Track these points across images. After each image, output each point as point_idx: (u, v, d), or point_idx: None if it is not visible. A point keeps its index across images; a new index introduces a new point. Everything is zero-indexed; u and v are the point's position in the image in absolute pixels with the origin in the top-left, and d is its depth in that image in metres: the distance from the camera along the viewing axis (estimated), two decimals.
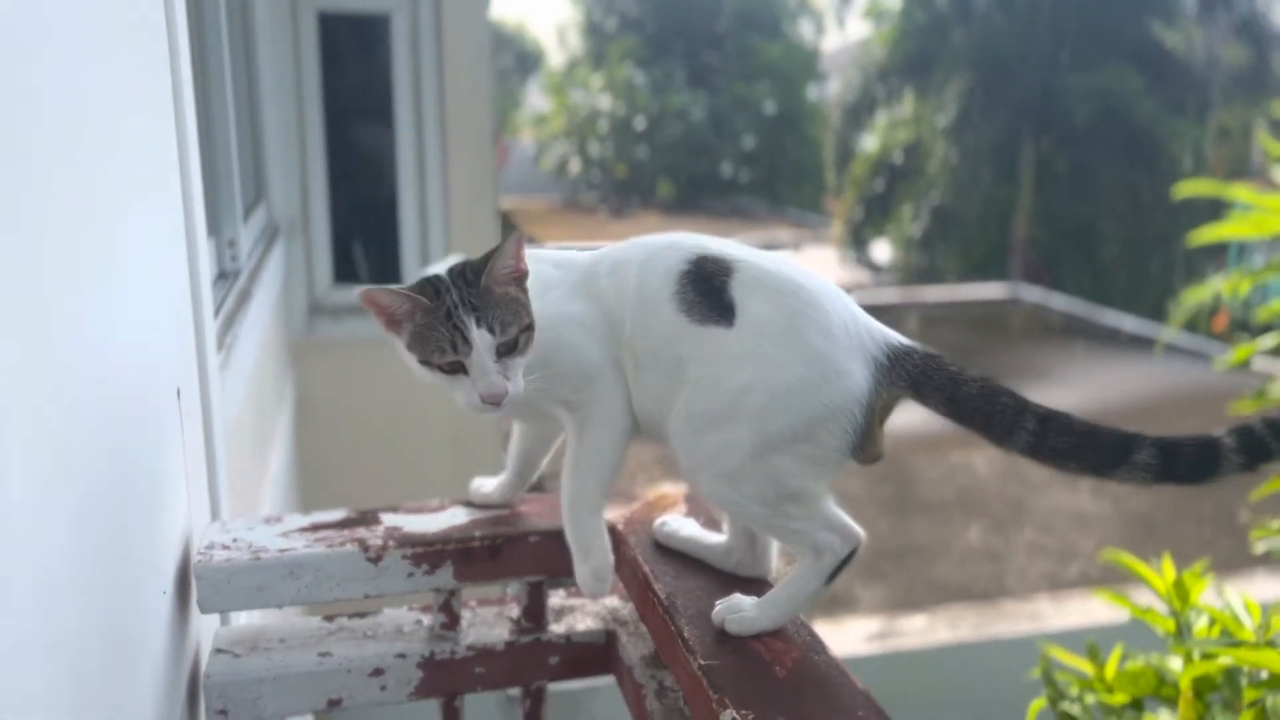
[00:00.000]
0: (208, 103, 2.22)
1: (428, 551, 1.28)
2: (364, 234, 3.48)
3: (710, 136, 21.68)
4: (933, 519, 6.36)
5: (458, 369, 1.03)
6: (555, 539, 1.29)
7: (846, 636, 4.57)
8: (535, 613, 1.35)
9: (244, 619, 1.52)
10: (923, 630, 4.57)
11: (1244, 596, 1.73)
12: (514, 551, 1.30)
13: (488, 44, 3.42)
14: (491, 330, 1.02)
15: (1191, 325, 9.44)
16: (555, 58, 25.60)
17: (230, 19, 2.54)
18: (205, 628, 1.33)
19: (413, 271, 3.58)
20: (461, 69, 3.35)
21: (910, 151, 16.07)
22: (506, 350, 1.03)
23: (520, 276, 1.06)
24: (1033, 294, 14.04)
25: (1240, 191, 1.91)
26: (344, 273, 3.48)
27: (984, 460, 7.39)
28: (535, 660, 1.33)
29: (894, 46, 16.88)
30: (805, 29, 25.33)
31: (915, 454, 7.33)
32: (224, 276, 2.27)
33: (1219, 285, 1.99)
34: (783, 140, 22.30)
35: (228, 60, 2.33)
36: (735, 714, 0.91)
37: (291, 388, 3.38)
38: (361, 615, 1.38)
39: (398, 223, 3.46)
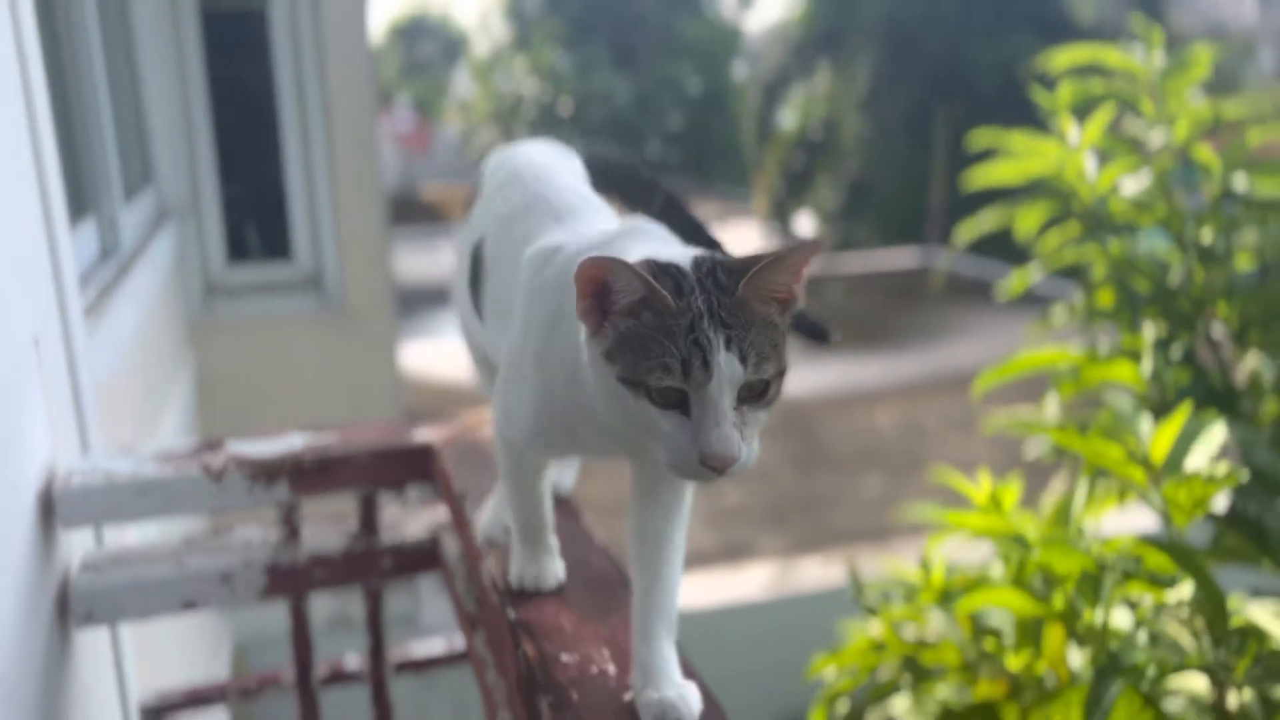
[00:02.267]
0: (79, 90, 2.36)
1: (264, 470, 1.47)
2: (256, 216, 3.63)
3: (636, 118, 21.88)
4: (835, 471, 6.67)
5: (675, 402, 0.74)
6: (382, 458, 1.49)
7: (747, 580, 4.83)
8: (369, 522, 1.55)
9: (114, 543, 1.70)
10: (818, 573, 4.85)
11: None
12: (342, 468, 1.50)
13: (366, 35, 3.58)
14: (744, 359, 0.74)
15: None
16: (481, 43, 25.61)
17: (104, 11, 2.68)
18: (76, 549, 1.51)
19: (306, 253, 3.73)
20: (339, 56, 3.52)
21: (827, 126, 16.42)
22: (752, 395, 0.75)
23: (790, 301, 0.78)
24: (946, 259, 14.47)
25: (1016, 138, 2.14)
26: (238, 253, 3.63)
27: (886, 417, 7.73)
28: (369, 564, 1.53)
29: (809, 23, 17.20)
30: (728, 7, 25.63)
31: (821, 413, 7.64)
32: (106, 253, 2.42)
33: (992, 216, 2.23)
34: (708, 119, 22.58)
35: (99, 51, 2.47)
36: (493, 565, 1.12)
37: (191, 366, 3.52)
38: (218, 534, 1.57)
39: (286, 204, 3.62)
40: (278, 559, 1.50)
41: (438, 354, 9.56)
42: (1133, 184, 2.15)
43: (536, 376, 0.89)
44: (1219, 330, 2.05)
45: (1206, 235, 2.08)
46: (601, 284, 0.75)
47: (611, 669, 0.92)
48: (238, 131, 3.55)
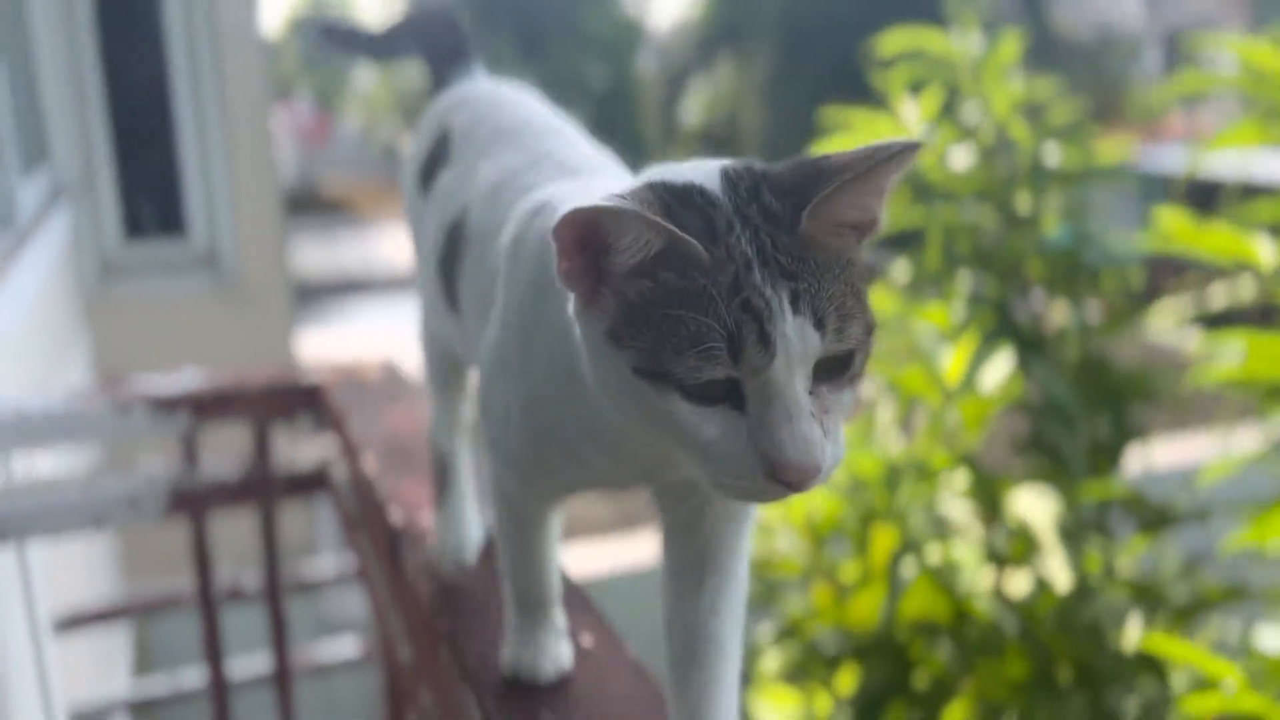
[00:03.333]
0: None
1: (165, 402, 1.62)
2: (152, 194, 3.71)
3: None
4: None
5: (722, 395, 0.53)
6: (274, 393, 1.66)
7: (639, 549, 5.04)
8: (262, 450, 1.71)
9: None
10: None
11: None
12: (237, 401, 1.66)
13: (257, 19, 3.70)
14: (820, 322, 0.53)
15: None
16: None
17: None
18: None
19: (202, 230, 3.82)
20: (233, 33, 3.63)
21: (729, 119, 16.77)
22: (832, 370, 0.54)
23: (871, 228, 0.56)
24: None
25: (856, 114, 2.39)
26: (135, 231, 3.71)
27: None
28: (262, 487, 1.70)
29: (710, 17, 17.53)
30: (631, 2, 25.85)
31: None
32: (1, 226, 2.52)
33: None
34: (613, 114, 22.77)
35: None
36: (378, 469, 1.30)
37: (88, 344, 3.59)
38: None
39: (182, 182, 3.71)
40: (179, 483, 1.66)
41: (336, 342, 9.58)
42: (961, 157, 2.41)
43: (521, 376, 0.66)
44: (1030, 285, 2.33)
45: (1021, 202, 2.36)
46: (592, 237, 0.53)
47: None
48: (133, 110, 3.63)
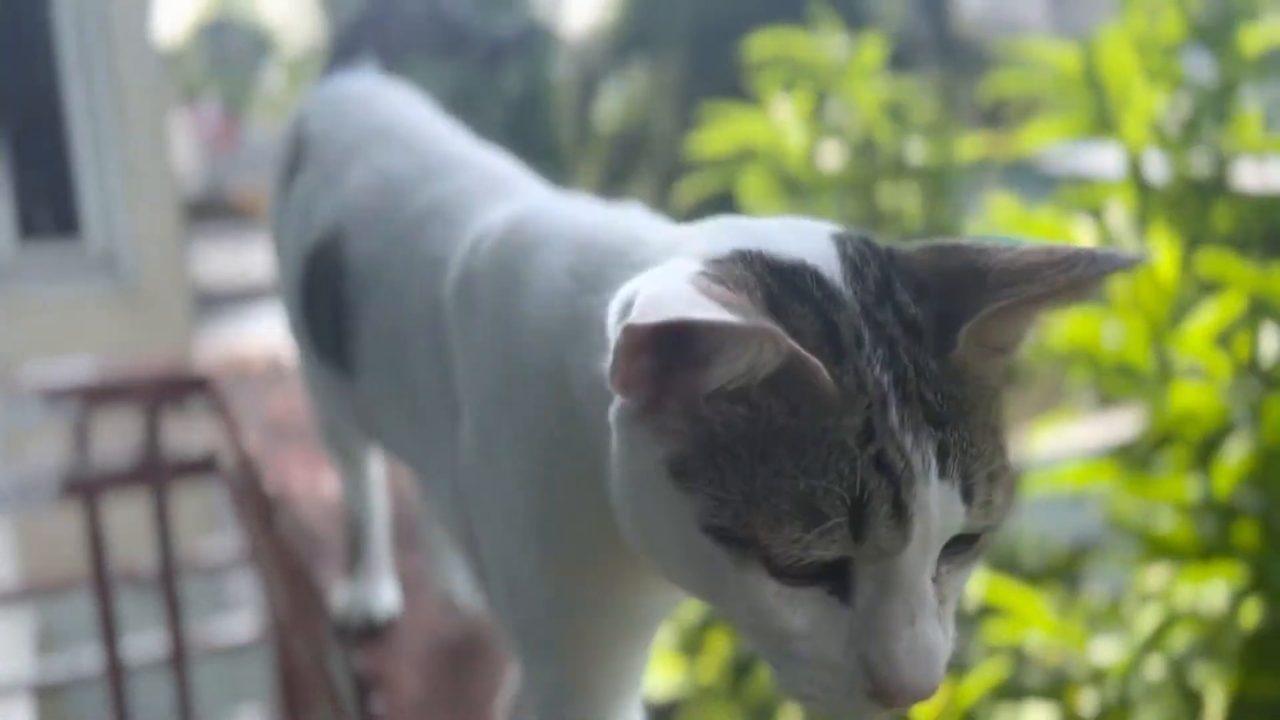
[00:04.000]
0: None
1: (57, 392, 1.68)
2: (46, 194, 3.70)
3: (457, 117, 21.89)
4: None
5: (821, 575, 0.40)
6: (165, 383, 1.73)
7: None
8: (153, 437, 1.78)
9: None
10: None
11: None
12: (128, 390, 1.73)
13: (150, 22, 3.73)
14: (969, 490, 0.41)
15: None
16: (291, 40, 25.00)
17: None
18: None
19: (98, 232, 3.82)
20: (125, 33, 3.64)
21: (642, 124, 16.95)
22: (959, 545, 0.42)
23: (1017, 347, 0.45)
24: None
25: (734, 111, 2.52)
26: (29, 232, 3.69)
27: None
28: (154, 472, 1.77)
29: (622, 22, 17.69)
30: (543, 7, 25.92)
31: None
32: None
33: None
34: (528, 119, 22.82)
35: None
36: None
37: None
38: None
39: (76, 184, 3.71)
40: (71, 470, 1.71)
41: (239, 350, 9.45)
42: (830, 154, 2.56)
43: (527, 484, 0.50)
44: None
45: (884, 196, 2.52)
46: (677, 345, 0.38)
47: None
48: (25, 112, 3.62)
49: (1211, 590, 1.37)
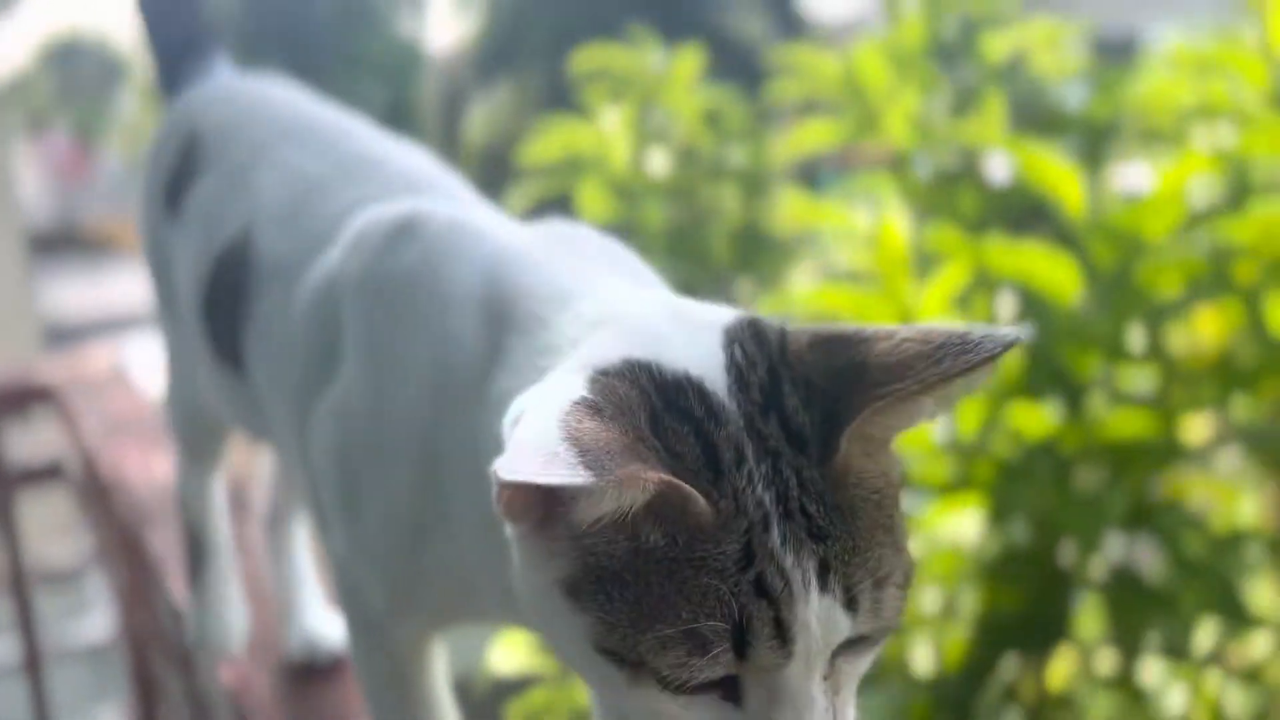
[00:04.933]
0: None
1: None
2: None
3: None
4: None
5: (712, 685, 0.42)
6: (7, 391, 1.79)
7: None
8: None
9: None
10: None
11: None
12: None
13: None
14: (853, 602, 0.43)
15: None
16: (143, 67, 24.24)
17: None
18: None
19: None
20: None
21: (509, 139, 17.04)
22: (855, 644, 0.44)
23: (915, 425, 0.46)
24: None
25: (561, 122, 2.68)
26: None
27: None
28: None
29: (484, 39, 17.77)
30: (406, 27, 25.75)
31: None
32: None
33: None
34: (395, 136, 22.62)
35: None
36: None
37: None
38: None
39: None
40: None
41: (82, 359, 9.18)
42: (657, 160, 2.75)
43: (404, 460, 0.51)
44: (719, 268, 2.68)
45: (705, 198, 2.72)
46: (550, 505, 0.41)
47: None
48: None
49: (963, 522, 1.58)
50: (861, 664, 0.43)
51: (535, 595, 0.42)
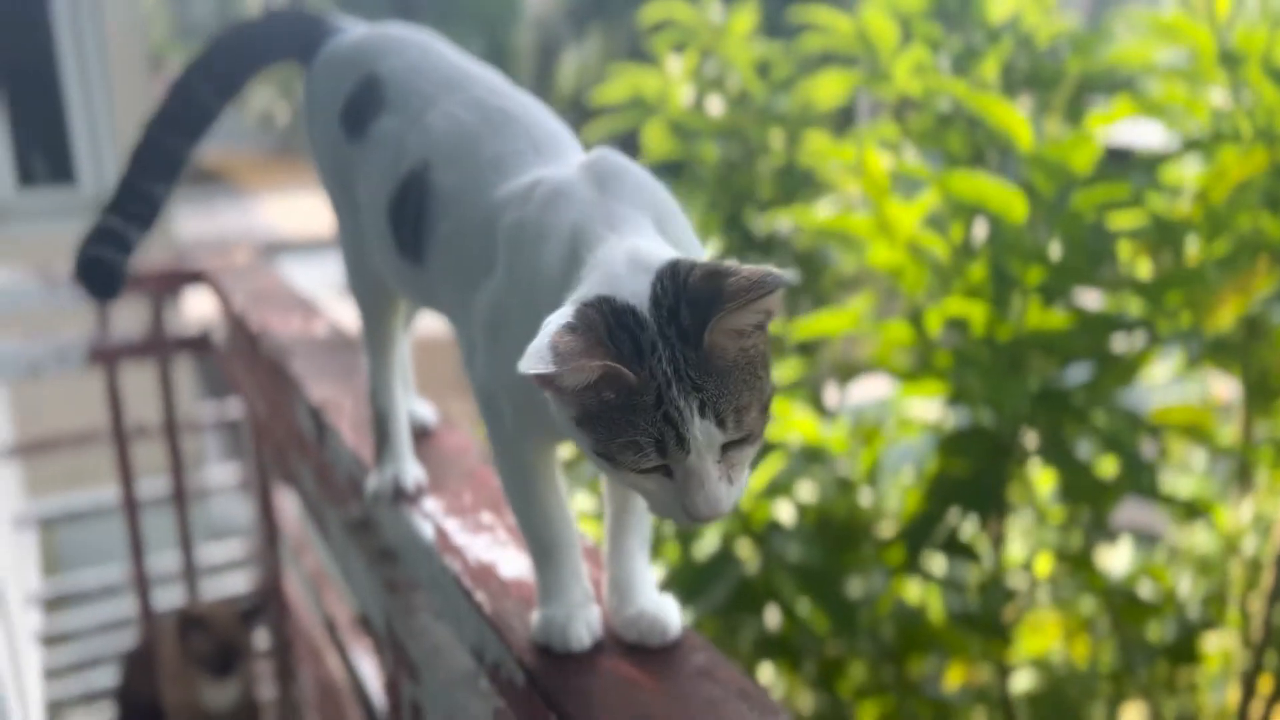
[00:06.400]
0: None
1: None
2: (42, 145, 4.16)
3: None
4: None
5: (656, 468, 0.70)
6: (169, 275, 2.24)
7: None
8: (158, 316, 2.29)
9: None
10: None
11: None
12: (141, 280, 2.24)
13: None
14: (721, 422, 0.69)
15: None
16: (253, 4, 24.98)
17: None
18: None
19: (91, 179, 4.28)
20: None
21: (598, 86, 17.32)
22: (736, 443, 0.71)
23: (766, 321, 0.71)
24: None
25: (630, 68, 3.02)
26: (28, 179, 4.15)
27: None
28: (160, 345, 2.28)
29: None
30: None
31: None
32: None
33: None
34: None
35: None
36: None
37: None
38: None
39: (70, 132, 4.18)
40: (95, 342, 2.23)
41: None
42: (714, 104, 3.09)
43: (514, 346, 0.72)
44: (760, 200, 3.02)
45: (756, 137, 3.05)
46: (549, 381, 0.67)
47: None
48: (22, 66, 4.06)
49: (927, 405, 1.93)
50: (745, 454, 0.71)
51: (565, 427, 0.71)
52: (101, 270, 1.09)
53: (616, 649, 0.82)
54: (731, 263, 0.69)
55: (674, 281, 0.69)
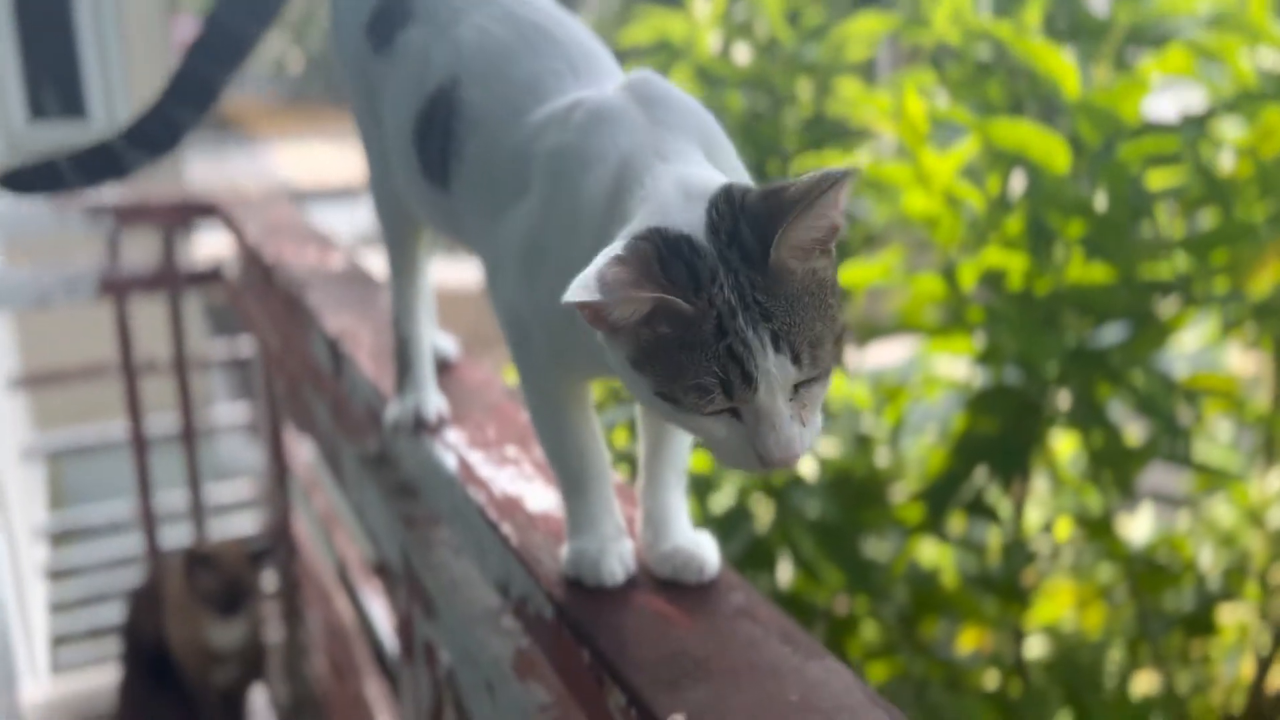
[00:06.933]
0: None
1: (95, 209, 2.14)
2: (54, 79, 4.10)
3: None
4: None
5: (723, 409, 0.64)
6: (180, 206, 2.19)
7: None
8: (170, 250, 2.25)
9: None
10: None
11: None
12: (152, 210, 2.19)
13: None
14: (797, 357, 0.63)
15: None
16: None
17: None
18: None
19: (102, 115, 4.22)
20: None
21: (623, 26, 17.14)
22: (809, 380, 0.64)
23: (835, 235, 0.65)
24: None
25: (655, 11, 2.95)
26: (39, 113, 4.10)
27: None
28: (171, 278, 2.24)
29: None
30: None
31: None
32: None
33: None
34: None
35: None
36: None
37: None
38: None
39: (82, 68, 4.11)
40: (106, 273, 2.18)
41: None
42: (741, 52, 3.01)
43: (561, 269, 0.68)
44: (785, 152, 2.96)
45: (783, 86, 2.98)
46: (599, 316, 0.62)
47: None
48: (36, 3, 4.00)
49: (956, 362, 1.88)
50: (818, 392, 0.65)
51: (617, 367, 0.65)
52: (43, 173, 1.06)
53: (650, 585, 0.78)
54: (782, 180, 0.64)
55: (730, 205, 0.64)
